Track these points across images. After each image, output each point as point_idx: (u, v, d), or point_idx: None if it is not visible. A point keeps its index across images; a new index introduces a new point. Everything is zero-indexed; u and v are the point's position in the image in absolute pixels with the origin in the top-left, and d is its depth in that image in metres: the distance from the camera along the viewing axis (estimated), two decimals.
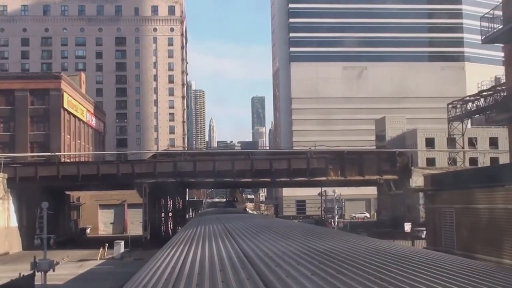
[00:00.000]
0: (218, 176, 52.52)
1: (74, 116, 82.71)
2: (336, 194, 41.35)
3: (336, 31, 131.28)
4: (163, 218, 63.28)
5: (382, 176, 54.07)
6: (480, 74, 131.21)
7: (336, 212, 41.80)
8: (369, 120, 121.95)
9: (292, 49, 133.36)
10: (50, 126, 75.43)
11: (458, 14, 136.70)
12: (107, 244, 45.87)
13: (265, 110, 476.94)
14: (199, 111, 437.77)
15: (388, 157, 55.14)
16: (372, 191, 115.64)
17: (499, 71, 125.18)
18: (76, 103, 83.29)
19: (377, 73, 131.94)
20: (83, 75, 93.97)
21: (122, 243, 44.27)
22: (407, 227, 46.42)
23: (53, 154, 55.13)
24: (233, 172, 51.94)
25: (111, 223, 76.73)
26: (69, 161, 59.15)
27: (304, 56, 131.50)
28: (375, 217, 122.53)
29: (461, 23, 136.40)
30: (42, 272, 25.54)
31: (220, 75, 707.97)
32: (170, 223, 65.20)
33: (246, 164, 52.57)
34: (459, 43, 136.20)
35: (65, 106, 77.03)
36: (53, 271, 26.01)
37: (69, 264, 40.86)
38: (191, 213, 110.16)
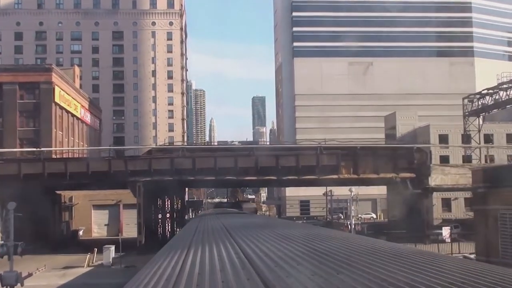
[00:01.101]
0: (219, 174, 47.96)
1: (67, 111, 78.17)
2: (353, 193, 36.69)
3: (341, 25, 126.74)
4: (160, 220, 58.60)
5: (398, 174, 49.47)
6: (490, 70, 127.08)
7: (352, 214, 37.15)
8: (375, 118, 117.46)
9: (295, 44, 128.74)
10: (41, 122, 70.95)
11: (467, 8, 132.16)
12: (96, 249, 41.30)
13: (266, 110, 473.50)
14: (200, 111, 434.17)
15: (405, 153, 50.51)
16: (378, 191, 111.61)
17: (509, 67, 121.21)
18: (69, 98, 78.71)
19: (384, 69, 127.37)
20: (77, 68, 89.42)
21: (113, 248, 39.69)
22: (446, 232, 41.79)
23: (37, 149, 50.43)
24: (236, 170, 47.41)
25: (105, 225, 72.12)
26: (55, 157, 54.46)
27: (308, 51, 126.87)
28: (382, 218, 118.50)
29: (470, 17, 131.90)
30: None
31: (220, 75, 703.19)
32: (168, 224, 60.59)
33: (250, 161, 48.01)
34: (468, 37, 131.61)
35: (57, 100, 72.51)
36: (22, 285, 21.43)
37: (51, 272, 36.36)
38: (191, 214, 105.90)
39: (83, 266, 38.80)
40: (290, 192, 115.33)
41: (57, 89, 72.54)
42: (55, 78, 72.55)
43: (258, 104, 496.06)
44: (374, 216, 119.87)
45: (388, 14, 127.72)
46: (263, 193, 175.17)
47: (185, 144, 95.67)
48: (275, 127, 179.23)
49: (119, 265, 38.58)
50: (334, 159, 48.34)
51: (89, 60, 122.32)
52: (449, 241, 41.74)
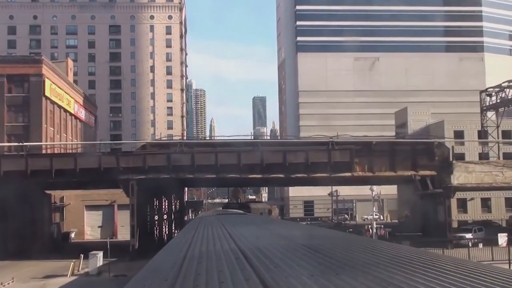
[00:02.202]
0: (221, 171, 43.41)
1: (59, 106, 73.63)
2: (375, 192, 31.93)
3: (346, 19, 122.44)
4: (156, 222, 54.10)
5: (417, 172, 44.91)
6: (500, 66, 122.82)
7: (374, 216, 32.45)
8: (382, 115, 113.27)
9: (299, 38, 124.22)
10: (30, 117, 66.46)
11: (477, 2, 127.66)
12: (82, 256, 36.74)
13: (266, 110, 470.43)
14: (200, 111, 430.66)
15: (425, 149, 45.96)
16: (385, 190, 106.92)
17: None
18: (61, 92, 74.19)
19: (391, 64, 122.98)
20: (70, 61, 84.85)
21: (100, 254, 35.16)
22: (503, 239, 37.02)
23: (19, 144, 45.84)
24: (239, 167, 42.86)
25: (99, 227, 67.74)
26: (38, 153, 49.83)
27: (312, 46, 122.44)
28: (389, 219, 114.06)
29: (480, 11, 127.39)
30: None
31: (221, 75, 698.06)
32: (165, 227, 56.12)
33: (255, 157, 43.44)
34: (478, 32, 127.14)
35: (48, 94, 67.97)
36: None
37: (29, 283, 31.83)
38: (190, 215, 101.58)
39: (67, 275, 34.24)
40: (294, 192, 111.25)
41: (47, 82, 68.09)
42: (45, 71, 68.11)
43: (258, 104, 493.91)
44: (381, 217, 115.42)
45: (395, 8, 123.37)
46: (264, 193, 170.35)
47: (184, 138, 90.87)
48: (276, 127, 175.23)
49: (107, 273, 34.05)
50: (347, 155, 43.80)
51: (85, 55, 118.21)
52: (505, 245, 36.75)
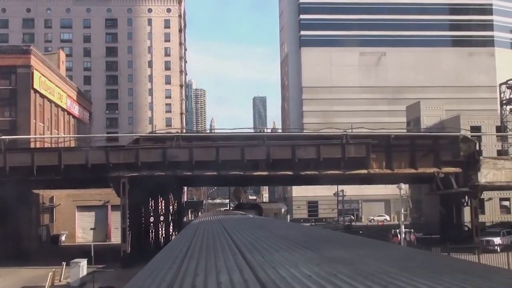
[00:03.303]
0: (222, 168, 38.89)
1: (50, 100, 69.06)
2: (403, 192, 27.28)
3: (351, 13, 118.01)
4: (152, 224, 49.57)
5: (441, 169, 40.40)
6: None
7: (402, 219, 27.70)
8: (389, 112, 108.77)
9: (302, 32, 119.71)
10: (17, 111, 61.90)
11: None
12: (64, 263, 32.17)
13: (267, 110, 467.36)
14: (200, 111, 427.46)
15: (449, 143, 41.47)
16: (392, 190, 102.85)
17: None
18: (52, 85, 69.64)
19: (398, 59, 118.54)
20: (62, 53, 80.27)
21: (84, 262, 30.61)
22: None
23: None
24: (242, 163, 38.36)
25: (91, 229, 63.18)
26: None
27: (316, 41, 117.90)
28: (395, 220, 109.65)
29: (491, 4, 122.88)
30: None
31: (221, 75, 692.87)
32: (162, 229, 51.60)
33: (260, 152, 38.95)
34: (488, 26, 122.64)
35: (36, 86, 63.42)
36: None
37: None
38: (190, 216, 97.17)
39: (45, 286, 29.68)
40: (297, 191, 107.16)
41: (36, 74, 63.53)
42: (34, 62, 63.56)
43: (259, 104, 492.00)
44: (388, 218, 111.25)
45: (402, 1, 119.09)
46: (265, 193, 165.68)
47: (183, 131, 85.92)
48: (276, 128, 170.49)
49: (91, 284, 29.48)
50: (363, 150, 39.29)
51: (80, 50, 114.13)
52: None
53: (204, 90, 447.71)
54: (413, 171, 40.26)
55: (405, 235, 26.65)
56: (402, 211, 28.72)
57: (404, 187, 30.40)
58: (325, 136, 41.92)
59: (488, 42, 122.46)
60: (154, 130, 47.45)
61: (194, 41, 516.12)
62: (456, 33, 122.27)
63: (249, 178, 42.12)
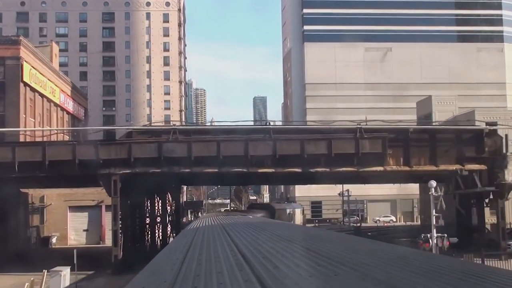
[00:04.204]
0: (224, 164, 35.25)
1: (42, 95, 65.48)
2: (434, 190, 23.47)
3: (356, 7, 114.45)
4: (147, 226, 45.96)
5: (464, 166, 36.75)
6: None
7: (433, 222, 24.16)
8: (395, 109, 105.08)
9: (306, 27, 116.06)
10: (6, 105, 58.33)
11: None
12: (45, 271, 28.45)
13: (267, 110, 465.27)
14: (200, 110, 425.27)
15: (472, 138, 37.85)
16: (398, 190, 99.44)
17: None
18: (44, 79, 66.03)
19: (404, 55, 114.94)
20: (55, 46, 76.71)
21: (66, 271, 26.90)
22: None
23: None
24: (246, 159, 34.72)
25: (84, 230, 59.90)
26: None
27: (320, 36, 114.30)
28: (402, 221, 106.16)
29: None
30: None
31: (221, 75, 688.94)
32: (159, 231, 47.99)
33: (266, 147, 35.33)
34: (497, 21, 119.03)
35: (26, 80, 59.84)
36: None
37: None
38: (189, 216, 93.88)
39: None
40: (300, 191, 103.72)
41: (26, 66, 59.91)
42: (24, 53, 59.94)
43: (259, 104, 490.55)
44: (394, 219, 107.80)
45: None
46: (266, 193, 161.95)
47: (182, 123, 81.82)
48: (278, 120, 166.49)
49: None
50: (378, 144, 35.65)
51: (76, 45, 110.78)
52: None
53: (204, 90, 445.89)
54: (433, 168, 36.63)
55: (436, 241, 23.20)
56: (433, 213, 25.03)
57: (431, 185, 26.65)
58: (336, 129, 38.22)
59: (497, 38, 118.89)
60: (150, 122, 43.48)
61: (194, 41, 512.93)
62: (464, 28, 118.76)
63: (253, 175, 38.44)
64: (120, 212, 36.32)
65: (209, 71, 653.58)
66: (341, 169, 35.98)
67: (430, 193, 25.76)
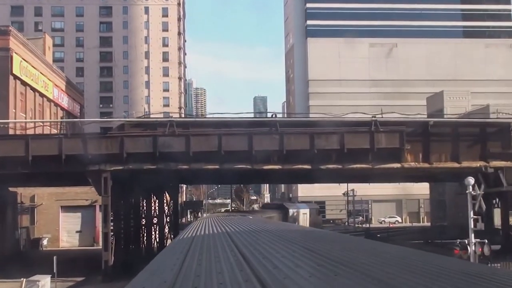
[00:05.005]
0: (226, 160, 32.00)
1: (33, 89, 62.35)
2: (473, 188, 20.43)
3: (361, 1, 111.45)
4: (143, 227, 42.73)
5: (488, 163, 33.51)
6: None
7: (471, 226, 21.00)
8: (401, 107, 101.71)
9: (309, 22, 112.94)
10: None
11: None
12: (24, 280, 25.16)
13: (268, 110, 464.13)
14: (200, 110, 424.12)
15: (498, 132, 34.61)
16: (403, 190, 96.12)
17: None
18: (36, 72, 62.89)
19: (410, 51, 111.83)
20: (48, 38, 73.59)
21: (47, 280, 23.63)
22: None
23: None
24: (250, 154, 31.47)
25: (77, 232, 56.76)
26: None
27: (324, 31, 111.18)
28: (408, 222, 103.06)
29: None
30: None
31: (221, 75, 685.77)
32: (155, 233, 44.77)
33: (272, 142, 32.09)
34: (506, 16, 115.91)
35: (16, 72, 56.73)
36: None
37: None
38: (189, 217, 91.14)
39: None
40: (303, 191, 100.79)
41: (16, 58, 56.78)
42: (14, 44, 56.84)
43: (259, 104, 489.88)
44: (399, 219, 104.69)
45: None
46: (266, 193, 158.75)
47: (181, 115, 78.31)
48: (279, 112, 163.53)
49: None
50: (395, 139, 32.39)
51: (72, 40, 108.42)
52: None
53: (204, 89, 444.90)
54: (455, 165, 33.36)
55: (475, 247, 20.20)
56: (471, 215, 21.84)
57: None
58: (349, 122, 34.96)
59: (505, 33, 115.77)
60: (144, 114, 40.22)
61: (194, 41, 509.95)
62: (472, 23, 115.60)
63: (257, 173, 35.15)
64: (112, 213, 33.07)
65: (209, 70, 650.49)
66: (354, 166, 32.70)
67: (467, 191, 22.47)
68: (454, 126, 34.21)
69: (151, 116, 54.93)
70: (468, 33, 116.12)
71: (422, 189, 79.95)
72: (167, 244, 38.06)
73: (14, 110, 56.70)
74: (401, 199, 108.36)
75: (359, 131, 32.80)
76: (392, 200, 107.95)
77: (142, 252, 41.10)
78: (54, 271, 25.74)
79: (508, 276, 6.35)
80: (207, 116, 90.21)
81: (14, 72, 56.12)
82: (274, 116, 33.83)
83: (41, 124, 54.32)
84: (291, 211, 61.39)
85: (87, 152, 30.89)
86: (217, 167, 32.15)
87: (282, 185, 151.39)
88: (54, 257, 26.81)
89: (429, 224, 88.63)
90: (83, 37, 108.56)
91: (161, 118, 38.64)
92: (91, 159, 30.99)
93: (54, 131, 62.66)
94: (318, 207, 79.39)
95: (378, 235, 56.37)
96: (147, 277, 7.75)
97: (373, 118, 32.74)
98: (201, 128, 33.27)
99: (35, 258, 46.01)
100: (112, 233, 33.06)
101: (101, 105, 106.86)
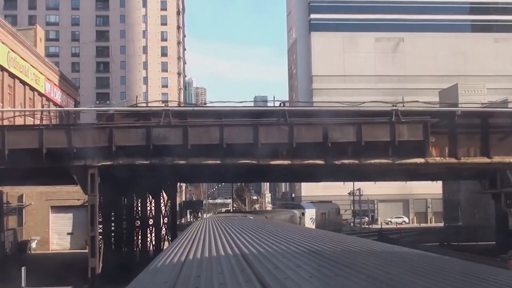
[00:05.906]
0: (229, 155, 28.34)
1: (23, 82, 58.90)
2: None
3: None
4: (138, 229, 39.11)
5: None
6: None
7: None
8: (408, 104, 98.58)
9: (312, 15, 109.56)
10: None
11: None
12: None
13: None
14: None
15: None
16: (410, 190, 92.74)
17: None
18: (26, 64, 59.37)
19: (417, 45, 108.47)
20: (39, 29, 70.10)
21: None
22: None
23: None
24: (256, 148, 27.81)
25: (68, 234, 53.24)
26: None
27: (328, 25, 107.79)
28: (415, 223, 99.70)
29: None
30: None
31: (221, 75, 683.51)
32: (151, 235, 41.20)
33: (281, 134, 28.44)
34: None
35: (4, 63, 53.33)
36: None
37: None
38: (189, 217, 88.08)
39: None
40: (306, 190, 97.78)
41: (4, 48, 53.34)
42: (1, 34, 53.42)
43: (260, 104, 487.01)
44: (406, 220, 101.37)
45: None
46: (267, 193, 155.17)
47: (180, 104, 74.38)
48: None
49: None
50: (419, 131, 28.75)
51: (67, 34, 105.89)
52: None
53: (204, 89, 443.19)
54: (486, 160, 29.70)
55: None
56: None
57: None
58: (367, 112, 31.31)
59: None
60: (136, 102, 36.65)
61: (194, 40, 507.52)
62: (481, 17, 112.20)
63: (263, 169, 31.45)
64: (100, 214, 29.48)
65: (210, 70, 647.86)
66: (373, 161, 29.03)
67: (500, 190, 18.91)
68: (484, 117, 30.53)
69: (145, 105, 51.29)
70: (476, 27, 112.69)
71: (428, 188, 76.58)
72: (164, 247, 34.58)
73: (1, 104, 53.27)
74: (407, 199, 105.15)
75: (378, 122, 29.15)
76: (399, 200, 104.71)
77: (136, 256, 37.55)
78: (23, 285, 22.09)
79: (508, 276, 6.33)
80: (207, 105, 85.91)
81: (1, 63, 52.78)
82: (282, 105, 30.15)
83: (23, 114, 50.47)
84: (308, 211, 57.77)
85: (71, 146, 27.26)
86: (218, 162, 28.47)
87: (283, 185, 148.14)
88: (23, 268, 23.19)
89: (436, 224, 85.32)
90: (78, 31, 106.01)
91: (155, 107, 34.96)
92: (76, 153, 27.38)
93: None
94: (339, 207, 74.89)
95: (390, 237, 53.03)
96: (148, 277, 7.82)
97: (394, 107, 29.08)
98: (201, 119, 29.56)
99: (23, 262, 42.53)
100: (100, 237, 29.46)
101: (97, 102, 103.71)
